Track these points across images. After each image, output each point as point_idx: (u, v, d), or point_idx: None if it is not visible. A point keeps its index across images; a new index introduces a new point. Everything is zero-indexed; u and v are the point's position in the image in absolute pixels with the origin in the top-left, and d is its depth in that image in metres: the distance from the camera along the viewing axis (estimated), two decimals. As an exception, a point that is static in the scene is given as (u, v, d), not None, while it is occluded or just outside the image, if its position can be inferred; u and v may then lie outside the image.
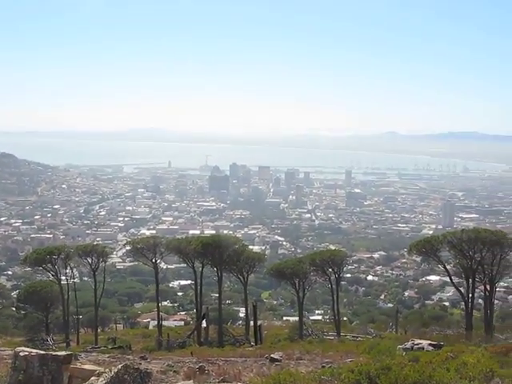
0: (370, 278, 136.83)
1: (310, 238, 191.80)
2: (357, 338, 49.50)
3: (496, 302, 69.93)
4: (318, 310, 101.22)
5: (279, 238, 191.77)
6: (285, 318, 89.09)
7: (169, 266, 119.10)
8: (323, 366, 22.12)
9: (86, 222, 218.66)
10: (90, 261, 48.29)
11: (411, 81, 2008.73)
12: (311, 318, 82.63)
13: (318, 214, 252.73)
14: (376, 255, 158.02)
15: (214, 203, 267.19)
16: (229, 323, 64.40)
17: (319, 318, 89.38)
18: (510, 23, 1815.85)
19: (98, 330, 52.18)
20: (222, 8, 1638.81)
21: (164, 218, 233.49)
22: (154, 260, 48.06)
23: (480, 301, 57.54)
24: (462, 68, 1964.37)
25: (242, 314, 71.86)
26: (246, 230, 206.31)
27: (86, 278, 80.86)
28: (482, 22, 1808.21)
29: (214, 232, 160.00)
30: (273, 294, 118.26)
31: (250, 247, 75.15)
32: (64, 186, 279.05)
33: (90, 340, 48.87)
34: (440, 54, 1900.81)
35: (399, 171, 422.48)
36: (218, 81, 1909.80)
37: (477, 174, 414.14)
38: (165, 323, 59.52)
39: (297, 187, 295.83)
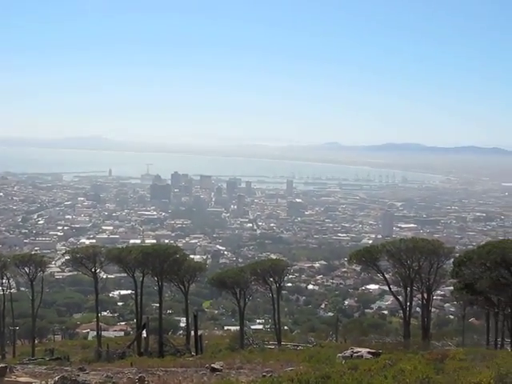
0: (310, 287, 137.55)
1: (251, 248, 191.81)
2: (297, 346, 49.79)
3: (433, 309, 71.21)
4: (259, 319, 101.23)
5: (220, 248, 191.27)
6: (226, 328, 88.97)
7: (109, 276, 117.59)
8: (264, 375, 22.14)
9: (23, 230, 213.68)
10: (27, 270, 47.26)
11: (353, 92, 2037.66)
12: (252, 327, 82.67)
13: (260, 223, 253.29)
14: (317, 264, 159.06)
15: (155, 212, 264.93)
16: (169, 333, 63.91)
17: (260, 327, 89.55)
18: (451, 38, 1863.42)
19: (36, 342, 51.17)
20: (159, 20, 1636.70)
21: (104, 227, 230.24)
22: (93, 269, 47.35)
23: (418, 309, 58.46)
24: (400, 80, 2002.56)
25: (182, 324, 71.52)
26: (187, 239, 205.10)
27: (23, 288, 79.05)
28: (425, 34, 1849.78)
29: (154, 241, 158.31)
30: (214, 303, 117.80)
31: (191, 256, 75.07)
32: (1, 194, 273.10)
33: (26, 352, 47.82)
34: (379, 66, 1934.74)
35: (340, 181, 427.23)
36: (158, 89, 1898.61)
37: (415, 185, 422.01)
38: (104, 334, 58.85)
39: (238, 197, 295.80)
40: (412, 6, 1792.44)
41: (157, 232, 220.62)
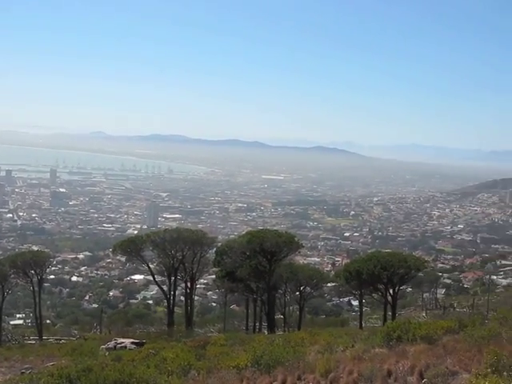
0: (74, 278, 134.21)
1: (11, 239, 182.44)
2: (60, 340, 48.60)
3: (196, 298, 73.39)
4: (20, 313, 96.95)
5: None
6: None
7: None
8: (22, 373, 21.39)
9: None
10: None
11: (117, 82, 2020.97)
12: (12, 322, 79.08)
13: (21, 213, 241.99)
14: (81, 256, 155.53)
15: None
16: None
17: (20, 322, 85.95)
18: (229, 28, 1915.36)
19: None
20: None
21: None
22: None
23: (182, 298, 59.63)
24: (167, 71, 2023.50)
25: None
26: None
27: None
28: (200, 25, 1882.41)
29: None
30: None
31: None
32: None
33: None
34: (146, 56, 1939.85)
35: (106, 171, 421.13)
36: None
37: (181, 176, 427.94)
38: None
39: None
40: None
41: None
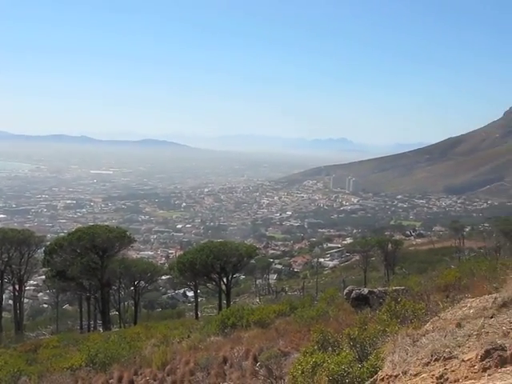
0: None
1: None
2: None
3: (26, 300, 70.66)
4: None
5: None
6: None
7: None
8: None
9: None
10: None
11: None
12: None
13: None
14: None
15: None
16: None
17: None
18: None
19: None
20: None
21: None
22: None
23: (10, 301, 57.27)
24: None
25: None
26: None
27: None
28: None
29: None
30: None
31: None
32: None
33: None
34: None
35: None
36: None
37: (3, 174, 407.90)
38: None
39: None
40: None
41: None
